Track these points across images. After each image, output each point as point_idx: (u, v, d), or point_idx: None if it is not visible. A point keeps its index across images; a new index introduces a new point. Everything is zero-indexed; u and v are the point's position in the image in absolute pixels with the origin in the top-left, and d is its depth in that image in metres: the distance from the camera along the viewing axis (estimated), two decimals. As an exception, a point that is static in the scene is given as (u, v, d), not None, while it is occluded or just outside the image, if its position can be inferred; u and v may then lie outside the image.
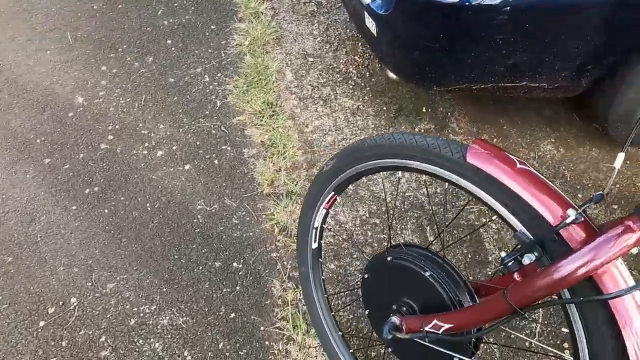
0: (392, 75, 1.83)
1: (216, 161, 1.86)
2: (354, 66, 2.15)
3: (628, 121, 1.63)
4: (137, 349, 1.42)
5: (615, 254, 0.70)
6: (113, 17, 2.41)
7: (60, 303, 1.52)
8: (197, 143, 1.92)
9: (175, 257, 1.61)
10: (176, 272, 1.58)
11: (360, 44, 2.24)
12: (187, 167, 1.85)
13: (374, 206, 1.68)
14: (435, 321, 0.93)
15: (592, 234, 0.72)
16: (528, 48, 1.44)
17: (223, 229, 1.67)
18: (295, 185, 1.76)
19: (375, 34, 1.72)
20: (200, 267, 1.59)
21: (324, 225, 1.28)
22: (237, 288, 1.54)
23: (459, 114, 1.93)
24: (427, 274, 1.00)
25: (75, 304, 1.51)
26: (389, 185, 1.74)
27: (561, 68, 1.51)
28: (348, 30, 2.29)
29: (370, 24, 1.73)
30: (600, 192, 0.76)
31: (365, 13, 1.73)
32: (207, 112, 2.01)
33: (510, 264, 0.80)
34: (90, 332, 1.45)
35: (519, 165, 0.80)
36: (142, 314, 1.49)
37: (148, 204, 1.75)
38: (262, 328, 1.45)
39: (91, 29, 2.36)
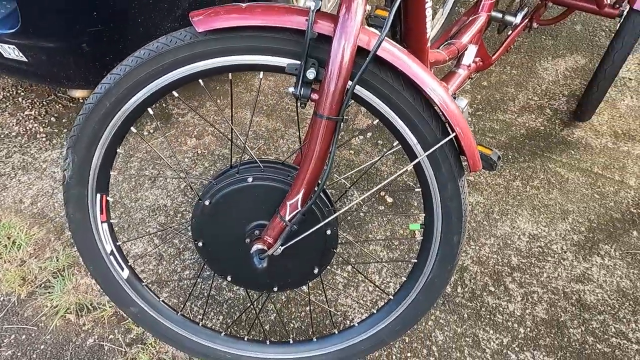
0: (75, 93, 1.58)
1: None
2: (32, 120, 1.79)
3: None
4: None
5: (359, 20, 0.76)
6: None
7: None
8: None
9: None
10: None
11: (21, 98, 1.87)
12: None
13: (164, 188, 1.46)
14: (287, 203, 0.86)
15: (336, 17, 0.76)
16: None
17: (-2, 373, 1.15)
18: (57, 261, 1.35)
19: (26, 59, 1.44)
20: None
21: (118, 244, 1.02)
22: (74, 410, 1.09)
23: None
24: (250, 180, 0.92)
25: None
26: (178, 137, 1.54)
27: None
28: (-5, 95, 1.88)
29: (11, 52, 1.44)
30: None
31: (-4, 45, 1.42)
32: None
33: (302, 91, 0.79)
34: None
35: (245, 5, 0.78)
36: None
37: None
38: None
39: None
